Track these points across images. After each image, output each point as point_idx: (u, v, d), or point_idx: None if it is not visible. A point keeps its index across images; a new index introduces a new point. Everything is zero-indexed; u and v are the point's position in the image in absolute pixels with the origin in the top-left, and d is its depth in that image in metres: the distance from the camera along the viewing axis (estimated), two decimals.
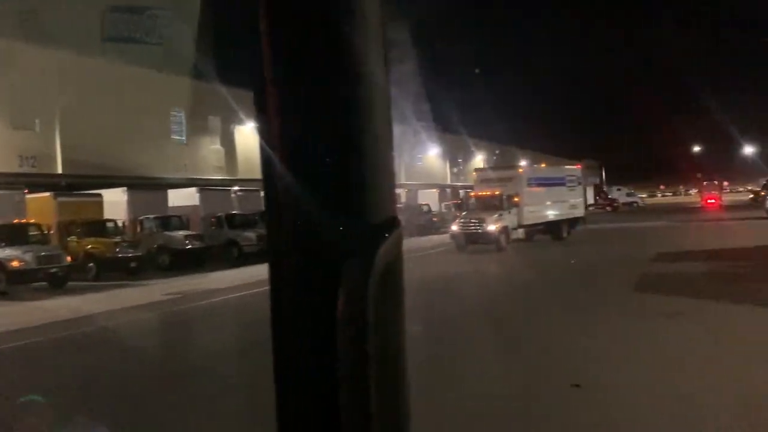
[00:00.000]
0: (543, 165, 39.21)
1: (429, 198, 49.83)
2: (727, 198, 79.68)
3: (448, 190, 57.01)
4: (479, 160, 69.01)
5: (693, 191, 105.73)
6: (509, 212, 26.58)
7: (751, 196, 72.37)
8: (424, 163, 60.95)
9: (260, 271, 18.44)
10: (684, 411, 6.36)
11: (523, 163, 46.28)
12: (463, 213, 28.69)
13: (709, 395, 6.74)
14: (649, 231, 33.63)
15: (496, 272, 19.83)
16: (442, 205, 49.14)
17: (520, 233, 27.92)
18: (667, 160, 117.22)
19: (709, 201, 65.00)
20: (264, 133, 0.78)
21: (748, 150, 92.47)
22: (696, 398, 6.67)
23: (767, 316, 10.48)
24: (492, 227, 25.43)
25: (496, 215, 25.83)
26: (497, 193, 27.17)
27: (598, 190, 69.94)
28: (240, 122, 39.58)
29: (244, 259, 25.85)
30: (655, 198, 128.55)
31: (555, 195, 29.25)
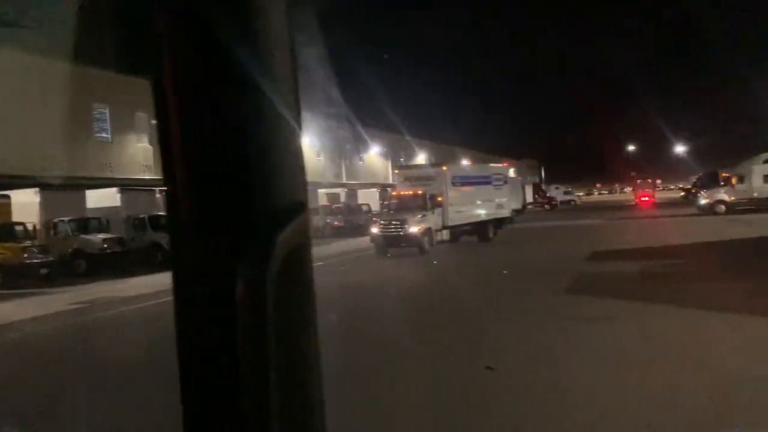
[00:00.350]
0: (469, 163, 37.91)
1: (370, 198, 48.90)
2: (660, 195, 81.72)
3: (389, 189, 56.33)
4: (421, 159, 68.75)
5: (628, 189, 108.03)
6: (433, 213, 25.02)
7: (682, 193, 74.47)
8: (366, 163, 60.29)
9: None
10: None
11: (466, 161, 45.84)
12: (383, 214, 27.44)
13: (640, 411, 5.99)
14: (585, 229, 33.54)
15: (414, 278, 17.96)
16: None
17: (445, 235, 26.58)
18: (604, 159, 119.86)
19: (642, 199, 66.21)
20: (161, 122, 0.75)
21: (679, 149, 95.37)
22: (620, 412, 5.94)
23: (698, 319, 9.89)
24: (414, 229, 23.90)
25: (419, 216, 24.27)
26: (420, 192, 25.53)
27: (537, 189, 70.40)
28: None
29: (168, 263, 24.38)
30: (592, 196, 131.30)
31: (481, 194, 27.97)
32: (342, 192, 49.52)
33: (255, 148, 0.75)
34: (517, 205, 45.33)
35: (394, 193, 28.01)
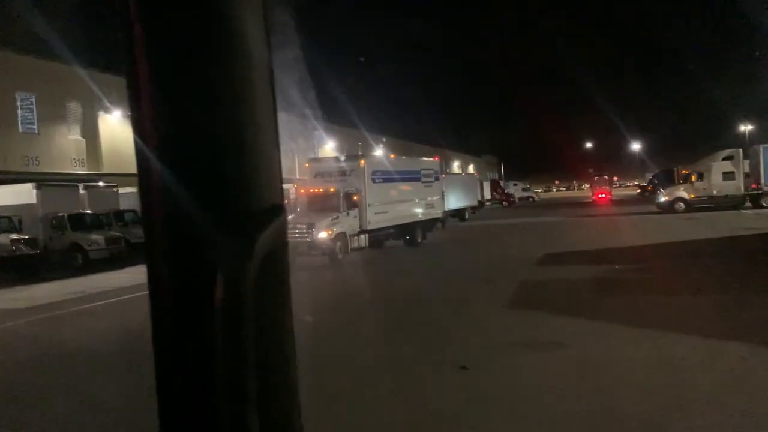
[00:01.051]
0: (392, 156, 32.40)
1: None
2: (617, 193, 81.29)
3: (295, 186, 54.36)
4: (377, 154, 67.08)
5: (585, 186, 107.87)
6: (347, 214, 20.86)
7: (639, 190, 74.20)
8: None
9: (102, 281, 14.48)
10: None
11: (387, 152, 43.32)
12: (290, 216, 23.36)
13: None
14: (540, 227, 32.05)
15: (315, 296, 12.98)
16: None
17: (363, 240, 21.73)
18: (563, 156, 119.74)
19: (600, 196, 65.49)
20: (137, 118, 0.73)
21: (635, 147, 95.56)
22: None
23: (661, 343, 8.16)
24: (323, 234, 19.72)
25: (330, 219, 20.05)
26: (332, 190, 21.27)
27: (495, 186, 69.10)
28: (105, 110, 35.33)
29: (90, 266, 22.17)
30: (551, 192, 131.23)
31: (407, 193, 23.71)
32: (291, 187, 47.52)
33: (234, 151, 0.73)
34: (473, 202, 43.83)
35: (302, 191, 23.05)
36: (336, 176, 22.09)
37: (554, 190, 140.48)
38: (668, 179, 56.84)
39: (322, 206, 20.71)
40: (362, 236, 21.69)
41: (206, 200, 0.72)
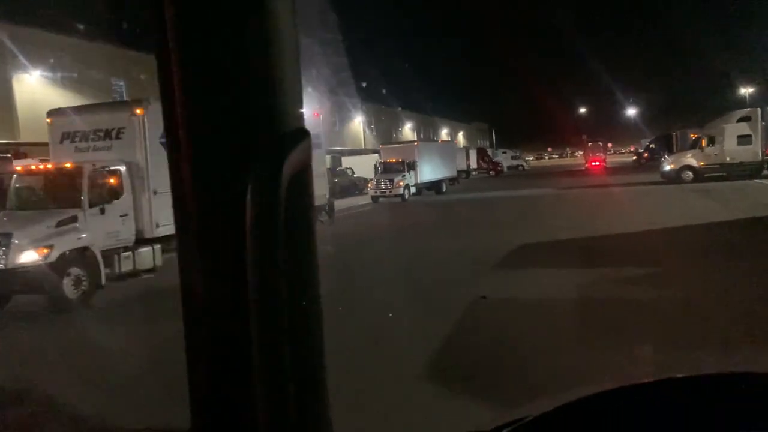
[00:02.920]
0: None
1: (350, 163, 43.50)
2: (612, 160, 75.92)
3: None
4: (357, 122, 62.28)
5: (579, 153, 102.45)
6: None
7: (635, 157, 68.91)
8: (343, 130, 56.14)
9: None
10: None
11: None
12: None
13: None
14: (523, 202, 26.96)
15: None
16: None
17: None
18: (555, 122, 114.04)
19: (593, 163, 60.24)
20: (160, 48, 0.74)
21: (630, 112, 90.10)
22: None
23: None
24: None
25: None
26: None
27: (482, 154, 63.79)
28: (22, 68, 30.01)
29: None
30: (543, 161, 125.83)
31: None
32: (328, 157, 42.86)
33: (262, 81, 0.73)
34: (451, 173, 38.70)
35: None
36: (91, 140, 11.77)
37: (547, 158, 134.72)
38: (666, 145, 52.05)
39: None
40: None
41: (236, 122, 0.72)
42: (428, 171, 34.13)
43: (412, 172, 32.67)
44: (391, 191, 31.06)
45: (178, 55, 0.72)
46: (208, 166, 0.73)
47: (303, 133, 0.77)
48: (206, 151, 0.73)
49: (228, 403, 0.74)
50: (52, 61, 31.18)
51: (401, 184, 31.28)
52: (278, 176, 0.71)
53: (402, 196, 31.29)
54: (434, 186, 35.13)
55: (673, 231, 14.73)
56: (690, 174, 28.89)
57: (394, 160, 32.50)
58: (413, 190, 32.77)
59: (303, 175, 0.76)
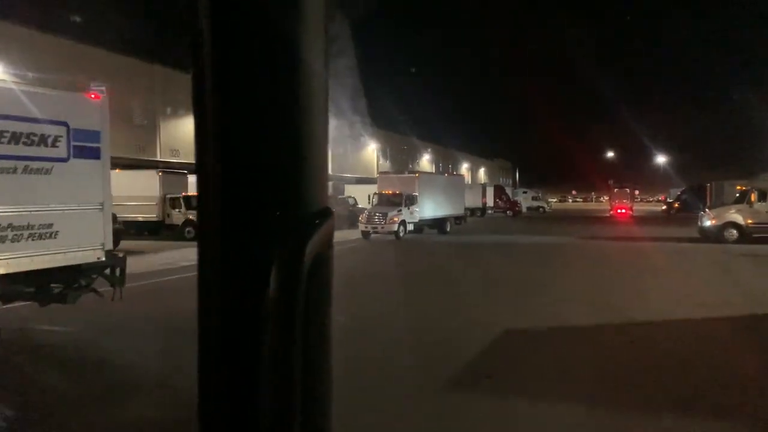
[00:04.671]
0: None
1: (356, 192, 39.35)
2: (639, 208, 70.45)
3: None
4: (380, 153, 58.33)
5: (604, 198, 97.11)
6: None
7: (664, 207, 63.55)
8: (355, 156, 51.79)
9: None
10: None
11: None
12: None
13: None
14: (536, 253, 22.14)
15: None
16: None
17: None
18: (581, 165, 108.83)
19: (619, 210, 55.06)
20: (199, 120, 0.74)
21: (660, 159, 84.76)
22: None
23: None
24: None
25: None
26: None
27: (499, 192, 58.91)
28: None
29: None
30: (566, 203, 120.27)
31: None
32: (330, 184, 38.31)
33: (290, 157, 0.74)
34: (458, 211, 33.93)
35: None
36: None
37: (570, 200, 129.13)
38: (699, 196, 47.17)
39: None
40: None
41: (261, 201, 0.72)
42: (430, 207, 29.44)
43: (412, 207, 28.06)
44: (383, 227, 26.44)
45: (214, 130, 0.72)
46: (235, 234, 0.72)
47: (327, 213, 0.76)
48: (234, 221, 0.72)
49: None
50: (19, 60, 27.41)
51: (395, 219, 26.62)
52: (302, 257, 0.70)
53: (396, 233, 26.62)
54: (437, 224, 30.42)
55: (740, 321, 9.83)
56: (735, 233, 23.81)
57: (390, 192, 27.91)
58: (411, 227, 28.09)
59: (326, 252, 0.76)
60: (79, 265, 8.59)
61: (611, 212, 56.07)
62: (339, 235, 26.79)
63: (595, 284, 13.95)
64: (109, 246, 9.01)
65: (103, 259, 8.88)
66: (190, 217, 27.13)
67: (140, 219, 27.27)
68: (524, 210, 61.71)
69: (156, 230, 27.64)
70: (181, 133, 38.16)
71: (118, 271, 9.25)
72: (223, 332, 0.74)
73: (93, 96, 8.80)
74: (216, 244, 0.73)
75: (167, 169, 30.26)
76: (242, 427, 0.73)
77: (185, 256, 19.70)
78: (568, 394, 6.34)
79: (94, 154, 8.68)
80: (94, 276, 9.00)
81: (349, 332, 8.32)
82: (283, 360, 0.71)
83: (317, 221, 0.74)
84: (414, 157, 71.20)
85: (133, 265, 17.34)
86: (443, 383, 6.62)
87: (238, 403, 0.73)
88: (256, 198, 0.72)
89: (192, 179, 29.63)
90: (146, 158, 34.59)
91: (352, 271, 15.70)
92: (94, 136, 8.70)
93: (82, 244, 8.58)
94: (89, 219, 8.64)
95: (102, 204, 8.82)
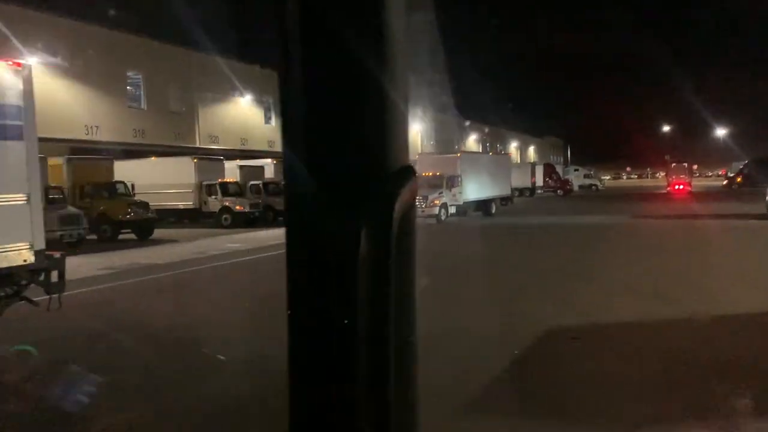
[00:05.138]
0: None
1: None
2: (697, 183, 67.05)
3: None
4: (416, 131, 56.77)
5: (660, 174, 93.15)
6: None
7: (725, 182, 60.20)
8: None
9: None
10: None
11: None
12: None
13: None
14: (587, 235, 20.58)
15: None
16: None
17: None
18: (635, 141, 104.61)
19: (677, 186, 52.23)
20: (285, 77, 0.75)
21: (719, 132, 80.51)
22: None
23: None
24: None
25: None
26: None
27: (549, 170, 56.74)
28: (13, 55, 26.04)
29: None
30: (620, 180, 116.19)
31: None
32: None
33: (372, 116, 0.74)
34: (504, 191, 32.37)
35: None
36: None
37: (624, 177, 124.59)
38: (764, 169, 44.41)
39: None
40: None
41: (348, 166, 0.72)
42: (474, 188, 28.00)
43: (454, 189, 26.73)
44: (423, 211, 25.20)
45: (300, 95, 0.73)
46: (323, 201, 0.73)
47: (410, 171, 0.76)
48: (321, 187, 0.73)
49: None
50: (54, 47, 27.10)
51: (436, 202, 25.35)
52: (390, 216, 0.71)
53: (437, 217, 25.36)
54: (481, 206, 28.99)
55: None
56: None
57: (431, 174, 26.61)
58: (453, 210, 26.76)
59: (410, 212, 0.76)
60: None
61: (668, 189, 53.28)
62: None
63: (652, 270, 12.42)
64: (41, 245, 7.65)
65: (33, 261, 7.43)
66: (227, 203, 26.47)
67: (178, 207, 26.77)
68: (576, 189, 59.44)
69: (195, 218, 27.12)
70: (219, 119, 37.60)
71: (54, 275, 7.83)
72: (312, 300, 0.73)
73: (13, 64, 7.46)
74: (303, 209, 0.74)
75: (203, 155, 29.65)
76: (334, 398, 0.72)
77: (216, 245, 18.96)
78: (632, 416, 5.05)
79: (15, 134, 7.24)
80: (24, 282, 7.66)
81: None
82: (377, 324, 0.71)
83: (403, 179, 0.74)
84: (460, 137, 69.36)
85: (160, 254, 16.68)
86: (460, 400, 5.43)
87: (329, 373, 0.72)
88: (342, 160, 0.72)
89: (229, 165, 28.97)
90: (185, 145, 34.10)
91: None
92: (14, 111, 7.29)
93: (4, 245, 7.29)
94: (12, 214, 7.29)
95: (28, 195, 7.45)
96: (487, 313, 8.75)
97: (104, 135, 30.01)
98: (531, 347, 6.99)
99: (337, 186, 0.73)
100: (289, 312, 0.75)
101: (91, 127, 29.60)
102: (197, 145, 35.44)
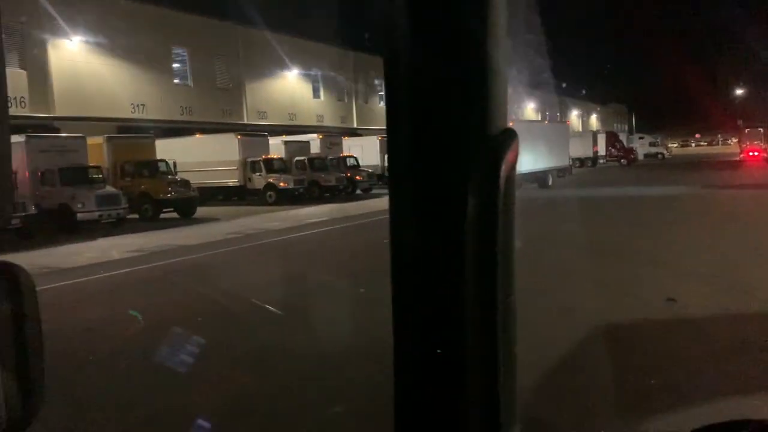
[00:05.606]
0: None
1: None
2: None
3: None
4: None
5: (732, 141, 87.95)
6: None
7: None
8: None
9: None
10: None
11: None
12: None
13: None
14: (648, 207, 18.86)
15: None
16: None
17: None
18: (704, 105, 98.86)
19: (751, 153, 48.79)
20: (390, 56, 0.75)
21: None
22: None
23: None
24: None
25: None
26: None
27: (612, 139, 53.94)
28: (59, 33, 25.85)
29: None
30: (688, 148, 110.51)
31: None
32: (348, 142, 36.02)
33: (474, 80, 0.73)
34: (561, 162, 30.61)
35: None
36: None
37: (693, 145, 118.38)
38: None
39: None
40: None
41: (452, 129, 0.72)
42: (528, 159, 26.32)
43: None
44: None
45: (405, 60, 0.73)
46: (429, 166, 0.73)
47: (513, 134, 0.76)
48: (427, 152, 0.73)
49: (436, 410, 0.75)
50: (96, 25, 26.75)
51: None
52: (497, 178, 0.71)
53: None
54: (537, 178, 27.37)
55: None
56: None
57: None
58: None
59: (512, 174, 0.76)
60: None
61: (741, 156, 49.89)
62: None
63: (725, 252, 10.86)
64: None
65: None
66: (271, 180, 25.77)
67: (225, 184, 26.26)
68: (641, 157, 56.53)
69: (241, 195, 26.60)
70: (267, 94, 36.91)
71: None
72: (418, 267, 0.73)
73: None
74: (409, 176, 0.74)
75: (249, 132, 28.98)
76: (441, 359, 0.73)
77: (255, 224, 18.21)
78: None
79: None
80: None
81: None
82: (484, 285, 0.71)
83: (507, 141, 0.74)
84: (516, 105, 66.87)
85: (190, 235, 16.04)
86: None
87: (436, 333, 0.73)
88: (447, 124, 0.72)
89: (273, 141, 28.20)
90: (232, 122, 33.58)
91: None
92: None
93: None
94: None
95: None
96: (525, 301, 7.48)
97: (150, 113, 29.74)
98: (572, 351, 5.76)
99: (443, 150, 0.72)
100: (393, 279, 0.75)
101: (137, 106, 29.35)
102: (245, 121, 34.91)
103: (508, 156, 0.73)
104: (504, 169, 0.72)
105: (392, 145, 0.77)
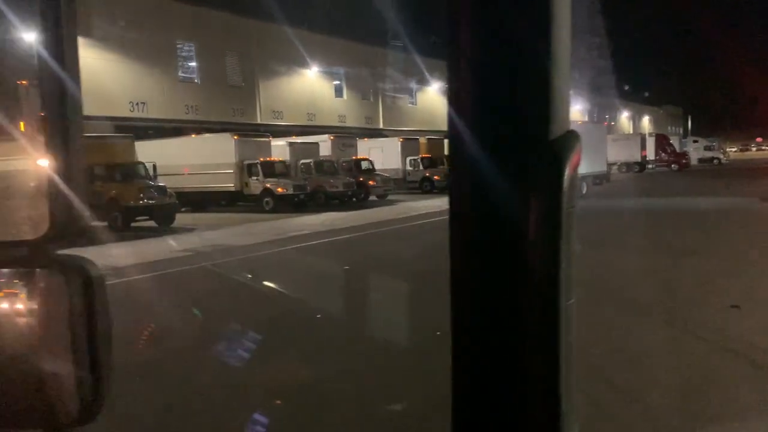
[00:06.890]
0: None
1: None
2: None
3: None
4: None
5: None
6: None
7: None
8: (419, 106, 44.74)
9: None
10: None
11: None
12: None
13: None
14: (694, 226, 15.38)
15: None
16: None
17: None
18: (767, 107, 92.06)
19: None
20: (453, 58, 0.75)
21: None
22: None
23: None
24: None
25: None
26: None
27: (662, 142, 49.49)
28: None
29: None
30: (748, 153, 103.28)
31: None
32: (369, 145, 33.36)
33: (537, 80, 0.72)
34: (599, 167, 27.09)
35: None
36: None
37: (754, 149, 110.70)
38: None
39: None
40: None
41: (515, 130, 0.72)
42: None
43: None
44: None
45: (468, 60, 0.73)
46: (490, 167, 0.72)
47: (576, 136, 0.74)
48: (489, 153, 0.72)
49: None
50: (90, 17, 24.74)
51: None
52: (560, 180, 0.69)
53: None
54: None
55: None
56: None
57: None
58: None
59: (575, 176, 0.74)
60: None
61: None
62: (441, 202, 21.57)
63: None
64: None
65: None
66: (268, 185, 23.14)
67: (220, 189, 23.80)
68: (694, 162, 51.88)
69: (237, 201, 24.11)
70: (284, 92, 34.40)
71: None
72: (476, 268, 0.73)
73: None
74: (469, 177, 0.73)
75: (248, 132, 26.40)
76: (498, 377, 0.72)
77: (225, 238, 15.49)
78: None
79: None
80: None
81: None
82: (546, 289, 0.70)
83: (570, 143, 0.72)
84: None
85: (144, 250, 13.44)
86: None
87: (494, 346, 0.72)
88: (510, 127, 0.72)
89: (276, 143, 25.60)
90: (244, 121, 31.19)
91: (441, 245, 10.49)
92: None
93: None
94: None
95: None
96: None
97: (152, 111, 27.61)
98: None
99: (507, 152, 0.71)
100: (452, 279, 0.74)
101: (137, 104, 27.23)
102: (258, 121, 32.51)
103: (572, 158, 0.71)
104: (568, 171, 0.70)
105: (453, 145, 0.75)
